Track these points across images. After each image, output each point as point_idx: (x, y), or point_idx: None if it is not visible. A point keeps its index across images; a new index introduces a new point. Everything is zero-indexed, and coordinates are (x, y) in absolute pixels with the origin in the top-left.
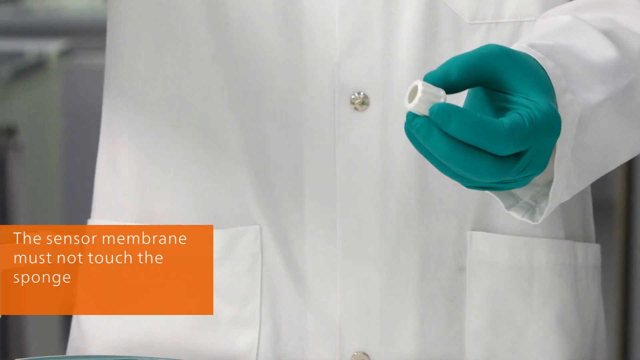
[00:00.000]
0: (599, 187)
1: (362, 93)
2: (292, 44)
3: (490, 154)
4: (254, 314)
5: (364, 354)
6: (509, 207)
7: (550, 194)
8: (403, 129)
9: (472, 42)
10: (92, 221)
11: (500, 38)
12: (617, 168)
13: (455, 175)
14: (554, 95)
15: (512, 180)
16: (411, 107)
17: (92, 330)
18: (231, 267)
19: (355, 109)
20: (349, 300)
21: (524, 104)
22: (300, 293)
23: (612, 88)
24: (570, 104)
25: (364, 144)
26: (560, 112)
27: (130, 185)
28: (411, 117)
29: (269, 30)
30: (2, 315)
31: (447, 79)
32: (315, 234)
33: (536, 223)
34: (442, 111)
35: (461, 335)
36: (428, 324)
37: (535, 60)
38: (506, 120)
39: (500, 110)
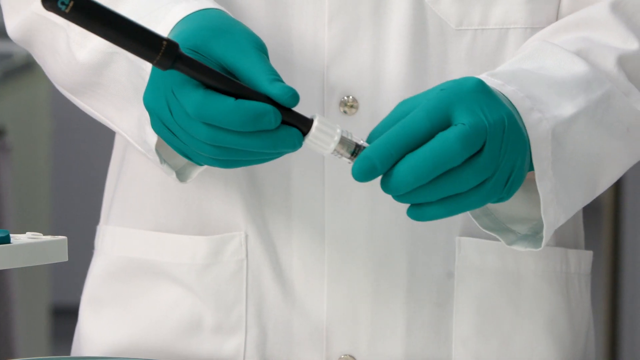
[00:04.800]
0: None
1: (351, 97)
2: (281, 47)
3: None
4: (240, 319)
5: (351, 357)
6: (510, 243)
7: (542, 213)
8: None
9: (457, 48)
10: (107, 227)
11: (485, 45)
12: None
13: None
14: (520, 116)
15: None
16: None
17: (85, 332)
18: (216, 274)
19: (345, 112)
20: (336, 304)
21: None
22: (286, 297)
23: (583, 101)
24: (539, 122)
25: None
26: (530, 131)
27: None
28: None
29: (259, 32)
30: None
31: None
32: (303, 238)
33: (539, 249)
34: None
35: (448, 341)
36: (415, 329)
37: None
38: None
39: None
